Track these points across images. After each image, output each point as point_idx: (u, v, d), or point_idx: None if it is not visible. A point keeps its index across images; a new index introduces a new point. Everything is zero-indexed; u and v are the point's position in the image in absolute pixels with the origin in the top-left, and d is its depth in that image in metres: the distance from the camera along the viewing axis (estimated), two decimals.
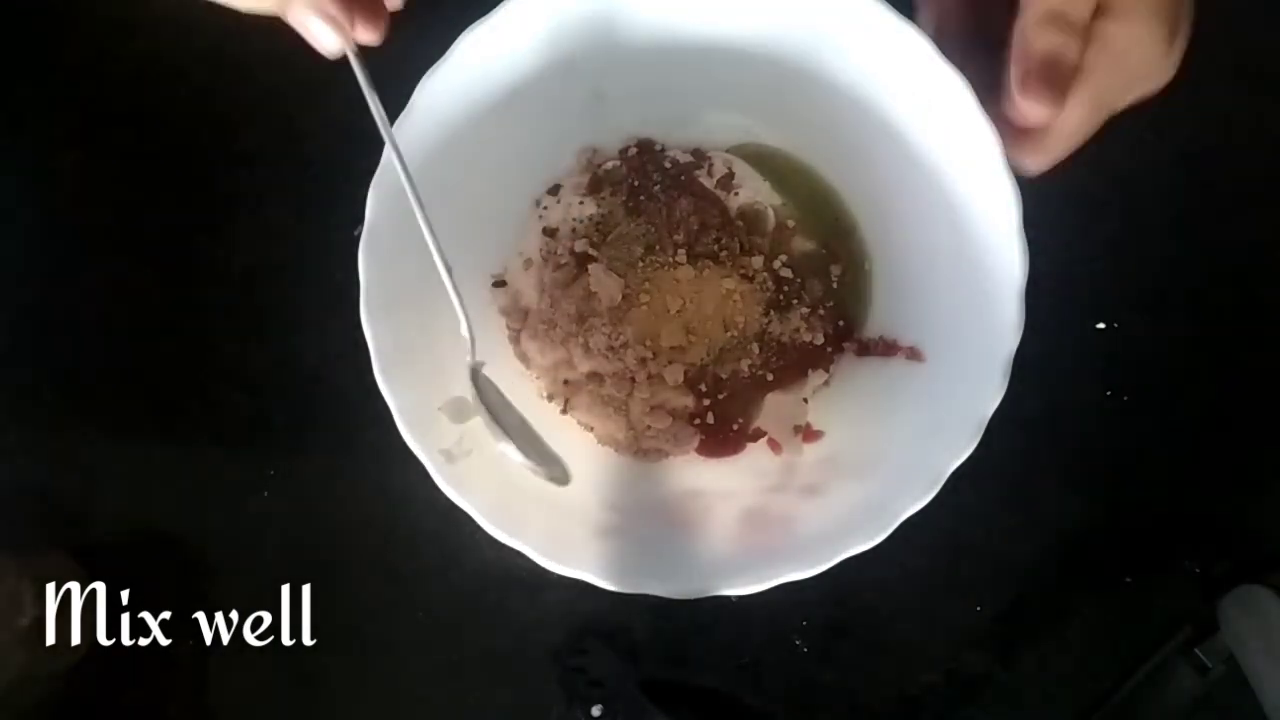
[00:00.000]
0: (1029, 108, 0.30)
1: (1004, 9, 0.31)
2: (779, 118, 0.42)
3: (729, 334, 0.42)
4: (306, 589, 0.54)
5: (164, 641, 0.54)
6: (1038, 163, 0.32)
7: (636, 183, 0.42)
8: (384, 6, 0.31)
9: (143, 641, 0.54)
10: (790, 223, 0.43)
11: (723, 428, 0.42)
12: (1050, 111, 0.30)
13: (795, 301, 0.42)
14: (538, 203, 0.43)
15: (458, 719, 0.54)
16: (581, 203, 0.43)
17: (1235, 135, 0.51)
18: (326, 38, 0.29)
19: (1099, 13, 0.31)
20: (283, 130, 0.53)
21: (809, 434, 0.42)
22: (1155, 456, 0.52)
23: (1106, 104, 0.32)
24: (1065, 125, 0.31)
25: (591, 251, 0.42)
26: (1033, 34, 0.30)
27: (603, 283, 0.41)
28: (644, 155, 0.43)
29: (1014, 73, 0.31)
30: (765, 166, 0.43)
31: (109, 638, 0.53)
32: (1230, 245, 0.52)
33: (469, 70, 0.35)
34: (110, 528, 0.54)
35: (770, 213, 0.43)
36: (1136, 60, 0.32)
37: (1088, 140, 0.33)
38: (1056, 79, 0.30)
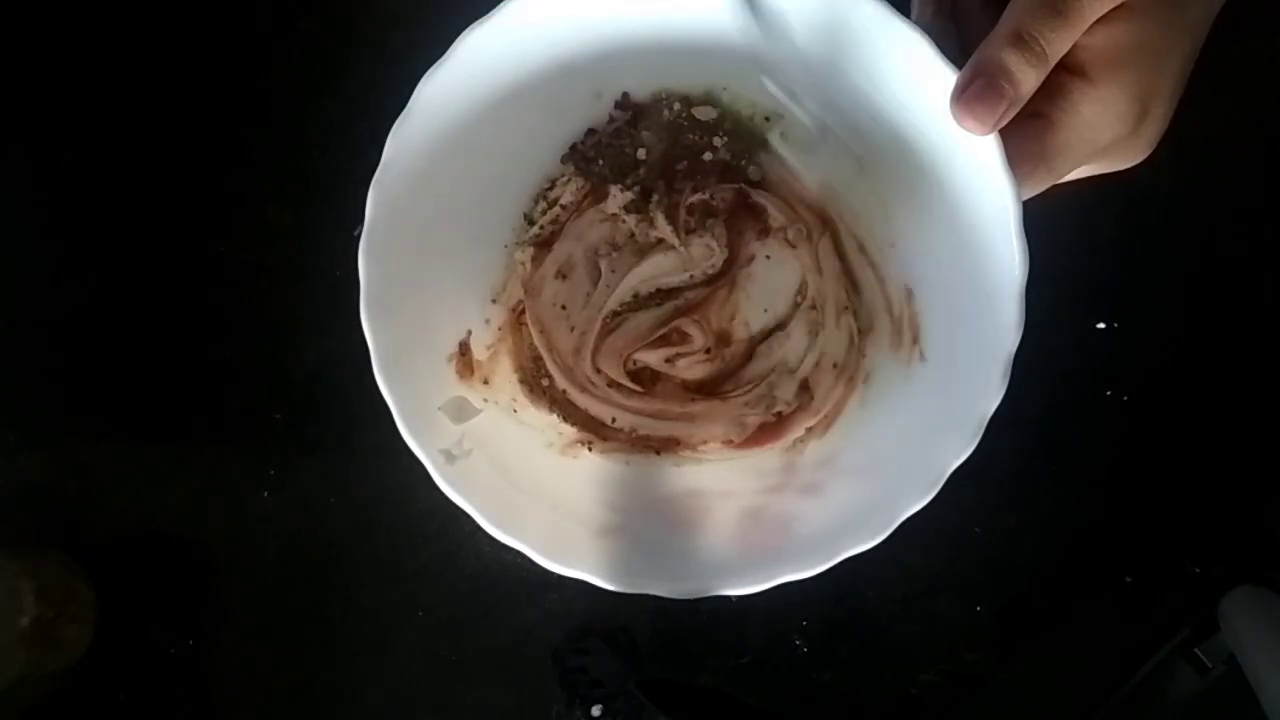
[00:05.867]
0: (957, 114, 0.30)
1: (986, 26, 0.31)
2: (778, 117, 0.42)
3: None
4: (306, 589, 0.54)
5: (163, 641, 0.54)
6: None
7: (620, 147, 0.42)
8: None
9: (142, 641, 0.54)
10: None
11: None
12: (976, 127, 0.30)
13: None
14: (536, 203, 0.43)
15: (458, 719, 0.55)
16: (568, 181, 0.43)
17: (1235, 136, 0.51)
18: None
19: (1069, 70, 0.31)
20: (283, 130, 0.53)
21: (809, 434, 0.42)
22: (1155, 456, 0.52)
23: (1064, 163, 0.31)
24: (1015, 173, 0.31)
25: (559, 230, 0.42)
26: (995, 48, 0.29)
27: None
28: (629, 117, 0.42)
29: (959, 78, 0.30)
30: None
31: (108, 638, 0.53)
32: (1230, 245, 0.52)
33: (469, 70, 0.35)
34: (110, 528, 0.54)
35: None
36: (1100, 126, 0.31)
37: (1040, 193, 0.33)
38: (994, 98, 0.29)
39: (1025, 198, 0.32)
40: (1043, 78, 0.29)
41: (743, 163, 0.43)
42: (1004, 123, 0.30)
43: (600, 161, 0.42)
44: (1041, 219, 0.33)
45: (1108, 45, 0.30)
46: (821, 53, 0.36)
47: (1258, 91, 0.51)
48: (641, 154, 0.43)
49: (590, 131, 0.42)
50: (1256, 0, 0.48)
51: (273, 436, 0.53)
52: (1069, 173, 0.32)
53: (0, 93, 0.53)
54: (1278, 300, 0.52)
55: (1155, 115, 0.32)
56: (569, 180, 0.42)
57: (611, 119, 0.42)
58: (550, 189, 0.43)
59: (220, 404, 0.54)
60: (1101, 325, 0.51)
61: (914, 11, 0.36)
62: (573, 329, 0.43)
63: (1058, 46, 0.29)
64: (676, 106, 0.42)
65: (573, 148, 0.42)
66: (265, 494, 0.53)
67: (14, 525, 0.54)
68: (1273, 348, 0.52)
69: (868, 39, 0.34)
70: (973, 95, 0.30)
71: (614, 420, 0.43)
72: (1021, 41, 0.29)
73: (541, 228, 0.43)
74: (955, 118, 0.30)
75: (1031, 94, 0.30)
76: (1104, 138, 0.31)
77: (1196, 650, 0.50)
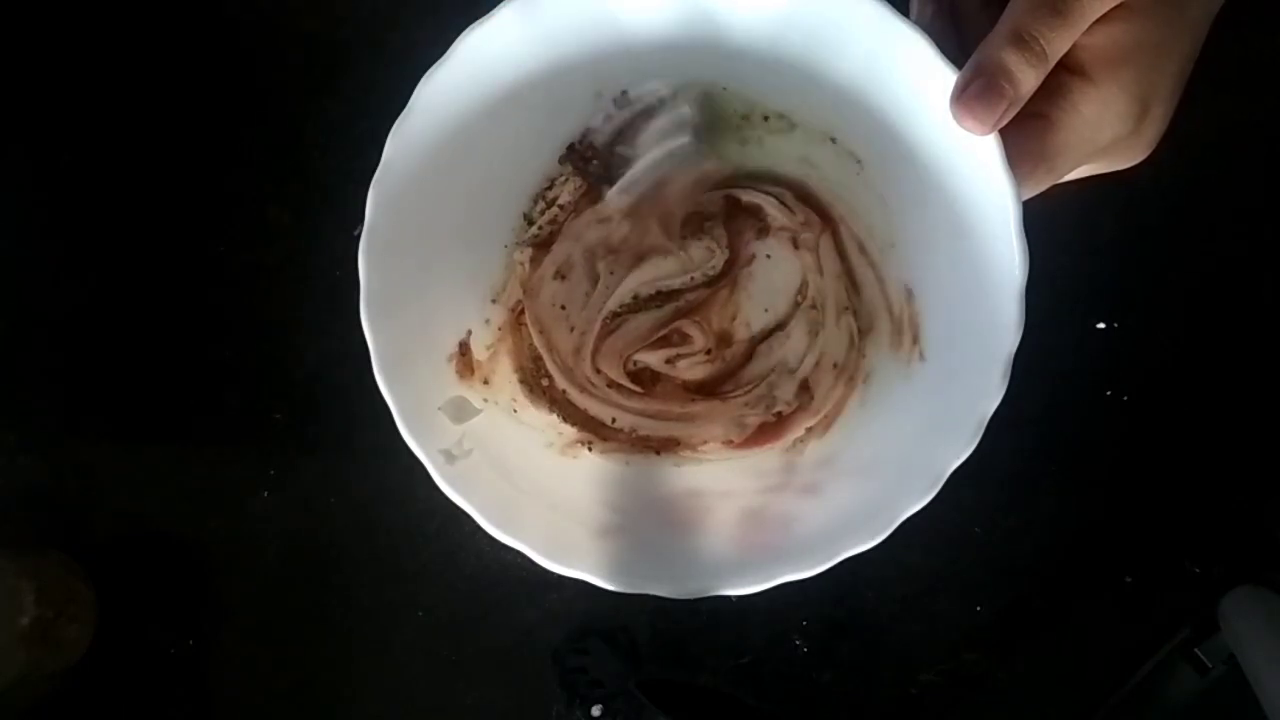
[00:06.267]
0: (957, 114, 0.30)
1: (985, 26, 0.31)
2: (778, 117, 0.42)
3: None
4: (306, 589, 0.54)
5: (163, 641, 0.54)
6: None
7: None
8: None
9: (142, 641, 0.54)
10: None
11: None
12: (976, 127, 0.30)
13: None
14: (535, 203, 0.43)
15: (458, 719, 0.55)
16: (566, 181, 0.43)
17: (1236, 135, 0.51)
18: None
19: (1069, 69, 0.31)
20: (283, 130, 0.53)
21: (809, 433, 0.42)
22: (1155, 456, 0.52)
23: (1065, 163, 0.31)
24: (1015, 173, 0.31)
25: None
26: (995, 47, 0.29)
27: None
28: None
29: (958, 78, 0.30)
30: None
31: (108, 637, 0.53)
32: (1230, 245, 0.52)
33: (469, 70, 0.35)
34: (110, 528, 0.54)
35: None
36: (1101, 126, 0.31)
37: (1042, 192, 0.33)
38: (995, 98, 0.29)
39: (1025, 198, 0.32)
40: (1042, 77, 0.29)
41: (744, 162, 0.43)
42: (1004, 123, 0.30)
43: (596, 161, 0.43)
44: (1041, 219, 0.33)
45: (1107, 45, 0.30)
46: (821, 53, 0.36)
47: (1258, 91, 0.51)
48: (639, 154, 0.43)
49: (588, 131, 0.42)
50: None
51: (273, 436, 0.53)
52: (1069, 173, 0.32)
53: (0, 93, 0.53)
54: (1278, 300, 0.52)
55: (1155, 115, 0.32)
56: (566, 180, 0.42)
57: (609, 118, 0.42)
58: (549, 189, 0.43)
59: (220, 404, 0.54)
60: (1101, 325, 0.51)
61: (913, 11, 0.36)
62: (572, 329, 0.43)
63: (1057, 46, 0.29)
64: (681, 109, 0.42)
65: (570, 148, 0.42)
66: (265, 494, 0.53)
67: (14, 525, 0.54)
68: (1273, 348, 0.52)
69: (867, 39, 0.34)
70: (972, 95, 0.30)
71: (614, 420, 0.43)
72: (1021, 41, 0.29)
73: (540, 228, 0.43)
74: (955, 118, 0.30)
75: (1031, 94, 0.30)
76: (1104, 137, 0.31)
77: (1196, 650, 0.50)
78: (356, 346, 0.34)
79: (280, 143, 0.53)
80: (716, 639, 0.52)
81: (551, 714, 0.52)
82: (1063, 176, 0.32)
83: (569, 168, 0.42)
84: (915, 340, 0.39)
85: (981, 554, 0.52)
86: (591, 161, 0.42)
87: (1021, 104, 0.30)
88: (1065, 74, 0.31)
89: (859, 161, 0.41)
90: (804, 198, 0.43)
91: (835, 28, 0.34)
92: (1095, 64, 0.30)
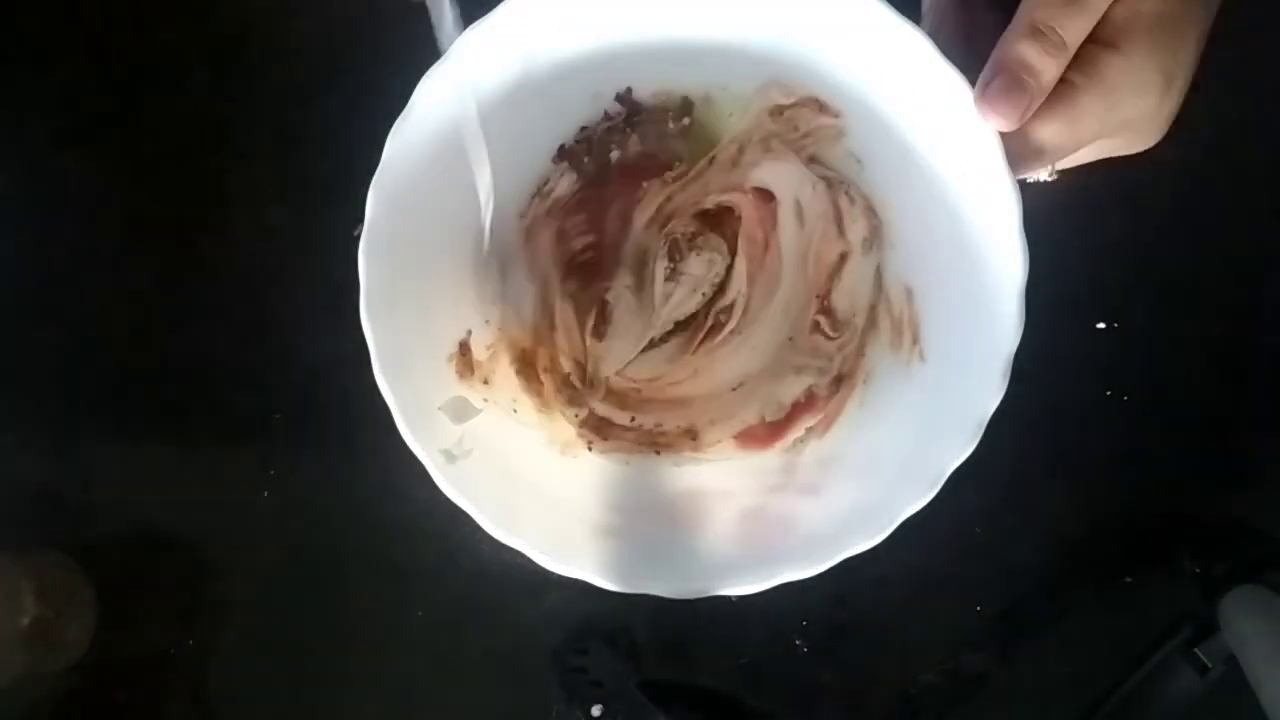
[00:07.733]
0: (982, 111, 0.30)
1: (999, 21, 0.31)
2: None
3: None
4: (306, 589, 0.54)
5: (163, 641, 0.54)
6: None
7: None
8: None
9: (142, 641, 0.54)
10: None
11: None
12: (1002, 123, 0.30)
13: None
14: (530, 202, 0.43)
15: (457, 719, 0.55)
16: (561, 177, 0.43)
17: (1235, 135, 0.51)
18: None
19: (1094, 40, 0.31)
20: (283, 130, 0.53)
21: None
22: (1155, 456, 0.52)
23: (1087, 129, 0.31)
24: (1037, 137, 0.31)
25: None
26: (1012, 43, 0.30)
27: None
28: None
29: (981, 76, 0.31)
30: None
31: (108, 637, 0.53)
32: (1230, 245, 0.52)
33: (469, 70, 0.35)
34: (110, 528, 0.54)
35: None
36: (1125, 95, 0.31)
37: (1064, 171, 0.33)
38: (1017, 92, 0.29)
39: (1046, 164, 0.32)
40: (1064, 66, 0.30)
41: (743, 161, 0.43)
42: (1029, 115, 0.30)
43: (586, 159, 0.43)
44: (1042, 219, 0.33)
45: (1131, 16, 0.30)
46: (821, 53, 0.36)
47: (1260, 90, 0.51)
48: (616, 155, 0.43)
49: (582, 129, 0.42)
50: None
51: (273, 436, 0.53)
52: (1089, 139, 0.32)
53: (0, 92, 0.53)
54: (1278, 300, 0.52)
55: (1176, 88, 0.32)
56: (561, 176, 0.43)
57: (607, 115, 0.42)
58: (546, 185, 0.43)
59: (220, 404, 0.54)
60: (1101, 325, 0.51)
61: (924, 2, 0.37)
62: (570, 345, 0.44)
63: (1075, 34, 0.29)
64: (686, 121, 0.42)
65: (561, 148, 0.42)
66: (265, 494, 0.53)
67: (14, 525, 0.54)
68: (1273, 348, 0.51)
69: (868, 39, 0.34)
70: (995, 92, 0.30)
71: (633, 419, 0.43)
72: (1038, 33, 0.29)
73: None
74: (981, 115, 0.30)
75: (1054, 83, 0.30)
76: (1127, 105, 0.31)
77: (1196, 650, 0.50)
78: (356, 346, 0.34)
79: (280, 143, 0.53)
80: (716, 639, 0.52)
81: (551, 714, 0.52)
82: (1083, 141, 0.32)
83: (565, 165, 0.43)
84: (915, 340, 0.39)
85: (981, 554, 0.52)
86: (584, 160, 0.43)
87: (1045, 94, 0.30)
88: (1091, 45, 0.31)
89: (859, 161, 0.41)
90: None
91: (835, 28, 0.34)
92: (1120, 35, 0.31)
